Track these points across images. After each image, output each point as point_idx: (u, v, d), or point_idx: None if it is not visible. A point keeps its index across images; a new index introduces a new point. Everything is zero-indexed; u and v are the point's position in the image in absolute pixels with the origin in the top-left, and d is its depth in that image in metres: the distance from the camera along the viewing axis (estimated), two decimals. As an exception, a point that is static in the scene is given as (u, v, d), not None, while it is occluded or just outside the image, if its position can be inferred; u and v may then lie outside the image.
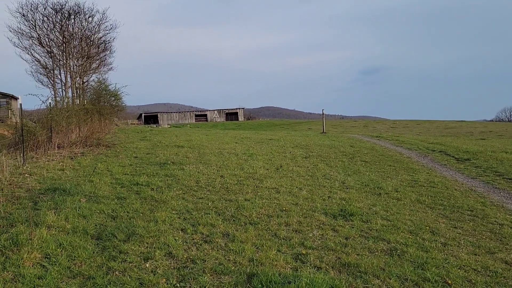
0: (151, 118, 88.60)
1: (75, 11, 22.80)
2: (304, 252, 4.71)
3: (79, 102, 20.69)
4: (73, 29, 22.86)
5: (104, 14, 23.53)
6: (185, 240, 4.99)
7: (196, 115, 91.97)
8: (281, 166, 10.74)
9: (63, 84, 23.37)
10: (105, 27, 24.29)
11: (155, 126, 62.99)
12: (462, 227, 6.10)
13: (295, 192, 7.80)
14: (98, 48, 25.51)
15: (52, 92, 22.71)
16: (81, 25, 23.59)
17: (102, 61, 27.64)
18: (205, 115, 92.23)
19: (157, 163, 10.50)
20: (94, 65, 26.08)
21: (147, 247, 4.71)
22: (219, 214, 6.13)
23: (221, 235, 5.21)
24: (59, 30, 21.97)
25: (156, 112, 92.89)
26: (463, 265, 4.59)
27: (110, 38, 24.99)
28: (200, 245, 4.86)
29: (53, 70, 23.02)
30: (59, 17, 22.29)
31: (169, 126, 65.51)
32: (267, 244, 4.92)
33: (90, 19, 23.68)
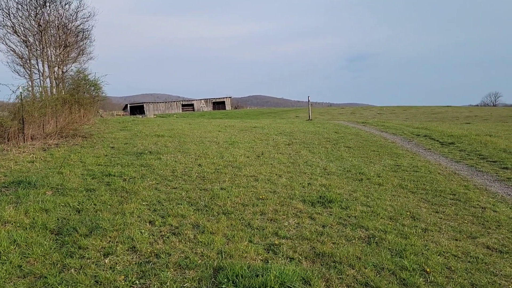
0: (137, 109, 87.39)
1: (51, -2, 22.02)
2: (277, 242, 4.45)
3: (57, 92, 20.07)
4: (49, 17, 22.09)
5: (81, 1, 22.79)
6: (152, 233, 4.69)
7: (182, 105, 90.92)
8: (262, 154, 10.46)
9: (41, 74, 22.68)
10: (82, 15, 23.54)
11: (140, 116, 62.12)
12: (443, 212, 5.91)
13: (274, 180, 7.53)
14: (77, 36, 24.75)
15: (29, 83, 21.99)
16: (58, 12, 22.82)
17: (81, 50, 26.87)
18: (192, 105, 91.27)
19: (134, 153, 10.13)
20: (73, 55, 25.34)
21: (109, 241, 4.40)
22: (191, 204, 5.83)
23: (191, 227, 4.92)
24: (34, 18, 21.20)
25: (142, 103, 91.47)
26: (443, 252, 4.38)
27: (89, 26, 24.26)
28: (168, 237, 4.56)
29: (30, 60, 22.29)
30: (33, 4, 21.51)
31: (155, 116, 64.66)
32: (238, 234, 4.65)
33: (67, 6, 22.92)
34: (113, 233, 4.61)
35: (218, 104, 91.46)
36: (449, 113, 48.09)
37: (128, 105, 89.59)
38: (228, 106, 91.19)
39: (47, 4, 21.84)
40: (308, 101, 28.36)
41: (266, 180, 7.47)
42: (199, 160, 9.33)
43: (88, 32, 24.63)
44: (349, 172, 8.48)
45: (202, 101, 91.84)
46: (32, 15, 21.26)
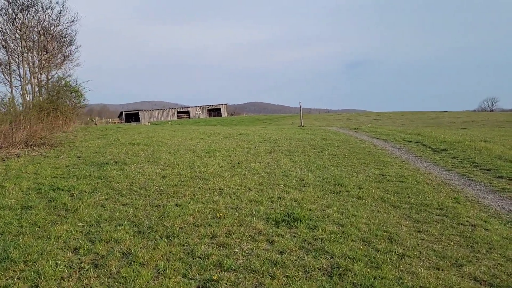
0: (132, 116, 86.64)
1: (32, 2, 21.30)
2: (216, 277, 3.63)
3: (34, 99, 19.29)
4: (28, 21, 21.34)
5: (63, 6, 22.07)
6: (70, 265, 3.88)
7: (178, 112, 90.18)
8: (238, 163, 9.67)
9: (22, 81, 21.89)
10: (65, 20, 22.80)
11: (134, 124, 61.34)
12: (427, 231, 5.11)
13: (240, 193, 6.73)
14: (61, 42, 24.00)
15: (9, 89, 21.21)
16: (39, 17, 22.08)
17: (66, 56, 26.09)
18: (188, 112, 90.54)
19: (98, 163, 9.32)
20: (58, 60, 24.56)
21: (9, 278, 3.59)
22: (134, 225, 5.03)
23: (120, 256, 4.11)
24: (12, 22, 20.46)
25: (137, 110, 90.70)
26: (421, 287, 3.58)
27: (72, 32, 23.50)
28: (86, 271, 3.75)
29: (9, 66, 21.50)
30: (14, 9, 20.78)
31: (149, 123, 63.87)
32: (173, 266, 3.84)
33: (49, 11, 22.18)
34: (21, 265, 3.80)
35: (214, 111, 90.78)
36: (446, 118, 47.43)
37: (123, 113, 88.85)
38: (224, 113, 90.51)
39: (27, 8, 21.10)
40: (300, 107, 27.64)
41: (232, 194, 6.67)
42: (165, 170, 8.53)
43: (72, 37, 23.86)
44: (328, 183, 7.67)
45: (198, 108, 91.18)
46: (11, 20, 20.52)
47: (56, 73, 25.86)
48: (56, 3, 22.57)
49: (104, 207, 5.79)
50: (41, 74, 23.28)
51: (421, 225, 5.35)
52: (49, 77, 25.32)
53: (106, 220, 5.19)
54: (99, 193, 6.55)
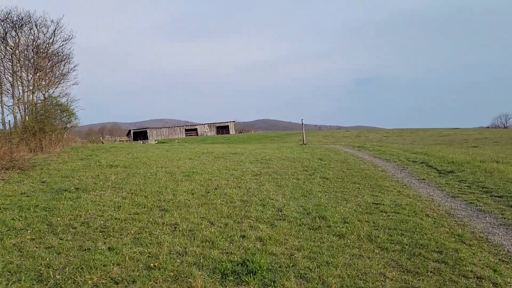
0: (140, 134, 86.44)
1: (25, 20, 20.86)
2: None
3: (22, 119, 18.58)
4: (21, 40, 20.87)
5: (58, 23, 21.56)
6: None
7: (186, 130, 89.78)
8: (216, 188, 8.60)
9: (14, 100, 21.28)
10: (60, 38, 22.30)
11: (141, 142, 60.83)
12: (417, 288, 3.93)
13: (198, 230, 5.62)
14: (55, 60, 23.48)
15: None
16: (33, 35, 21.61)
17: (63, 75, 25.56)
18: (195, 130, 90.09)
19: (57, 190, 8.34)
20: (54, 79, 24.02)
21: None
22: (39, 281, 3.95)
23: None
24: (2, 40, 19.96)
25: (145, 128, 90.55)
26: None
27: (65, 49, 22.98)
28: None
29: (1, 84, 20.95)
30: (6, 28, 20.33)
31: (156, 142, 63.41)
32: None
33: (44, 29, 21.72)
34: None
35: (222, 129, 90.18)
36: (458, 135, 45.83)
37: (132, 131, 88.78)
38: (232, 131, 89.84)
39: (20, 27, 20.65)
40: (302, 124, 26.54)
41: (187, 231, 5.57)
42: (126, 199, 7.48)
43: (67, 56, 23.34)
44: (309, 215, 6.53)
45: (206, 125, 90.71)
46: (2, 37, 20.04)
47: (54, 91, 25.35)
48: (51, 21, 21.96)
49: (20, 251, 4.74)
50: (33, 93, 22.70)
51: (411, 278, 4.18)
52: (46, 96, 24.78)
53: (9, 272, 4.14)
54: (29, 231, 5.52)
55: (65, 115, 19.49)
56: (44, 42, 21.91)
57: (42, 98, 24.05)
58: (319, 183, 9.37)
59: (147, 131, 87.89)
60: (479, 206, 7.44)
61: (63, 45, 22.14)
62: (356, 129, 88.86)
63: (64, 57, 23.24)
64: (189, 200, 7.48)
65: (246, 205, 7.17)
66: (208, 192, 8.29)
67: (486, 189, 8.79)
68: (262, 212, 6.72)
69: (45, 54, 22.24)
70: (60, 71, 25.05)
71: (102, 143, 64.46)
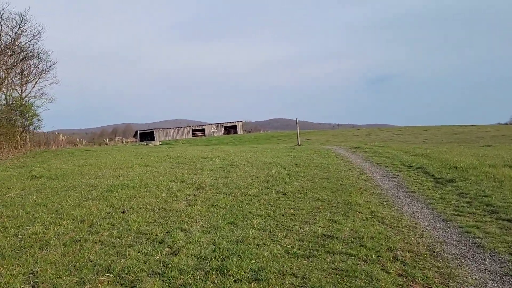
0: (147, 135, 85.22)
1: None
2: None
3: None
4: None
5: (23, 17, 19.84)
6: None
7: (193, 130, 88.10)
8: (123, 212, 6.55)
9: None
10: (28, 32, 20.59)
11: (145, 144, 59.29)
12: None
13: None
14: (27, 57, 21.80)
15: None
16: None
17: (40, 73, 23.91)
18: (203, 130, 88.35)
19: None
20: (23, 78, 22.36)
21: None
22: None
23: None
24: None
25: (152, 129, 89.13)
26: None
27: (32, 44, 21.25)
28: None
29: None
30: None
31: (160, 143, 61.85)
32: None
33: (10, 23, 20.04)
34: None
35: (230, 129, 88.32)
36: (474, 132, 42.84)
37: (138, 132, 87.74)
38: (239, 130, 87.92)
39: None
40: (297, 123, 24.31)
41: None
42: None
43: (38, 51, 21.64)
44: (208, 263, 4.40)
45: (213, 125, 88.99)
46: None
47: (29, 92, 23.75)
48: (15, 14, 20.26)
49: None
50: (2, 92, 21.02)
51: None
52: (23, 96, 23.16)
53: None
54: None
55: (27, 116, 17.69)
56: (9, 36, 20.21)
57: (20, 97, 22.44)
58: (269, 201, 7.19)
59: (154, 132, 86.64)
60: (478, 238, 5.20)
61: (31, 39, 20.35)
62: (368, 128, 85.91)
63: (36, 53, 21.53)
64: (63, 235, 5.43)
65: (134, 242, 5.08)
66: (107, 217, 6.23)
67: (492, 208, 6.52)
68: (145, 257, 4.60)
69: (12, 50, 20.55)
70: (37, 69, 23.44)
71: (106, 144, 63.25)
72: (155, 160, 13.57)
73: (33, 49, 21.53)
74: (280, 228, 5.53)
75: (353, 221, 5.90)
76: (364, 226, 5.64)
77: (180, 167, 11.73)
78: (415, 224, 5.93)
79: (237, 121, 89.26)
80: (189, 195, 7.65)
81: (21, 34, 20.45)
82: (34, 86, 24.09)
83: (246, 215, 6.20)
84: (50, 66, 24.04)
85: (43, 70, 23.81)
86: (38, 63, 23.24)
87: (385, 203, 7.23)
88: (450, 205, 6.97)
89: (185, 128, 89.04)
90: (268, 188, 8.31)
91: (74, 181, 9.27)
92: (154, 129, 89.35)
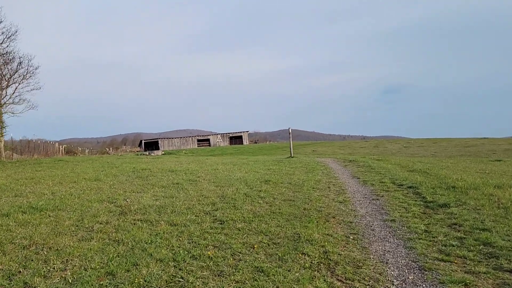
0: (152, 145, 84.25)
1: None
2: None
3: None
4: None
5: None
6: None
7: (198, 140, 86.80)
8: None
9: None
10: (4, 34, 19.39)
11: (147, 154, 58.03)
12: None
13: None
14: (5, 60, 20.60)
15: None
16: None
17: (24, 78, 22.74)
18: (208, 140, 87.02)
19: None
20: (9, 82, 21.16)
21: None
22: None
23: None
24: None
25: (157, 138, 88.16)
26: None
27: (13, 48, 20.07)
28: None
29: None
30: None
31: (163, 153, 60.56)
32: None
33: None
34: None
35: (236, 139, 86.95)
36: (486, 145, 40.57)
37: (143, 141, 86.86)
38: (245, 141, 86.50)
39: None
40: (290, 134, 22.60)
41: None
42: None
43: (13, 55, 20.42)
44: None
45: (219, 135, 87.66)
46: None
47: (6, 94, 22.55)
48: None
49: None
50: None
51: None
52: (2, 102, 21.99)
53: None
54: None
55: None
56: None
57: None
58: (194, 235, 5.48)
59: (159, 141, 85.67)
60: (463, 304, 3.44)
61: (3, 41, 19.11)
62: (377, 139, 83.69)
63: (11, 56, 20.30)
64: None
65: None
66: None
67: (491, 249, 4.77)
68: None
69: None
70: (9, 72, 22.21)
71: (108, 153, 62.21)
72: (113, 174, 12.00)
73: (9, 52, 20.33)
74: (172, 287, 3.81)
75: (289, 270, 4.18)
76: (299, 281, 3.91)
77: (131, 183, 10.14)
78: (380, 274, 4.21)
79: (243, 132, 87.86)
80: (100, 223, 6.00)
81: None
82: (14, 92, 22.91)
83: (139, 260, 4.50)
84: (31, 71, 22.83)
85: (25, 75, 22.62)
86: (18, 66, 22.05)
87: (351, 238, 5.50)
88: (436, 242, 5.21)
89: (190, 138, 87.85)
90: (208, 213, 6.61)
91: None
92: (159, 138, 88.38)
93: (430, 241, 5.28)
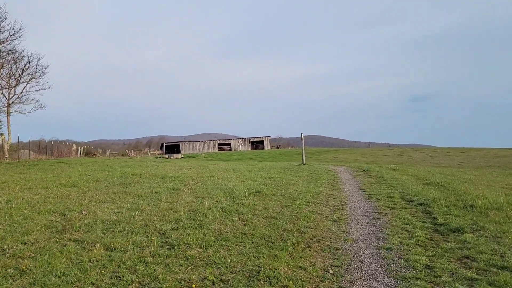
0: (173, 148, 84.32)
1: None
2: None
3: None
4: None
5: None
6: None
7: (219, 144, 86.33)
8: None
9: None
10: (8, 32, 19.05)
11: (166, 156, 57.78)
12: None
13: None
14: (13, 58, 20.31)
15: None
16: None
17: (33, 77, 22.46)
18: (229, 144, 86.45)
19: None
20: (20, 81, 20.89)
21: None
22: None
23: None
24: None
25: (178, 142, 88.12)
26: None
27: (18, 47, 19.72)
28: None
29: None
30: None
31: (182, 156, 60.22)
32: None
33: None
34: None
35: (257, 144, 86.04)
36: (518, 156, 38.06)
37: (164, 144, 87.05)
38: (267, 146, 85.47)
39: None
40: (302, 140, 21.38)
41: None
42: None
43: (19, 53, 20.07)
44: None
45: (240, 140, 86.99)
46: None
47: (17, 97, 22.32)
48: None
49: None
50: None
51: None
52: (10, 103, 21.75)
53: None
54: None
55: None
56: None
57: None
58: (118, 268, 4.44)
59: (180, 144, 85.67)
60: None
61: (7, 39, 18.76)
62: (401, 148, 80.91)
63: (17, 55, 19.96)
64: None
65: None
66: None
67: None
68: None
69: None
70: (14, 71, 21.93)
71: (128, 156, 62.36)
72: (97, 179, 11.15)
73: (13, 51, 20.00)
74: None
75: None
76: None
77: (107, 191, 9.24)
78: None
79: (265, 137, 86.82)
80: (23, 243, 5.03)
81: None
82: (22, 91, 22.66)
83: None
84: (41, 70, 22.51)
85: (33, 74, 22.31)
86: (26, 65, 21.74)
87: (329, 273, 4.34)
88: (437, 285, 3.98)
89: (211, 142, 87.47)
90: (163, 233, 5.54)
91: None
92: (180, 141, 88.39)
93: (430, 282, 4.06)
